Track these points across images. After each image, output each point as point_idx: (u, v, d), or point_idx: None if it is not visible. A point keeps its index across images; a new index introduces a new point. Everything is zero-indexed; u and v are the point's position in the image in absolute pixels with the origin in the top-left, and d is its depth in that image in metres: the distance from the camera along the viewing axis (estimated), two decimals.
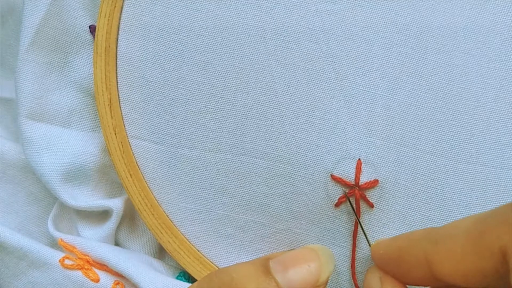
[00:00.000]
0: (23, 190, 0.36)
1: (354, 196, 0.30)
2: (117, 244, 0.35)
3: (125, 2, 0.31)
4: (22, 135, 0.34)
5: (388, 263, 0.26)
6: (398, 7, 0.30)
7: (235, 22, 0.31)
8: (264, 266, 0.26)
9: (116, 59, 0.32)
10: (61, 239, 0.33)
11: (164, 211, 0.32)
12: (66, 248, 0.32)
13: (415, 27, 0.30)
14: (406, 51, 0.30)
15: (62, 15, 0.33)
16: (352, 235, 0.30)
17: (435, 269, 0.23)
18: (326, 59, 0.30)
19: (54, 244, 0.34)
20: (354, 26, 0.30)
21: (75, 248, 0.32)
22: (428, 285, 0.25)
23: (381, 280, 0.26)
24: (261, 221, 0.31)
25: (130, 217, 0.35)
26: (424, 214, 0.30)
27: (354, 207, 0.30)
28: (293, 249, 0.27)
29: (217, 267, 0.32)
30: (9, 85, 0.36)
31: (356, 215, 0.30)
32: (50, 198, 0.36)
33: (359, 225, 0.30)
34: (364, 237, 0.30)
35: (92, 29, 0.34)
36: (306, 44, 0.30)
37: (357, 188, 0.30)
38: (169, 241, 0.32)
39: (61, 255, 0.32)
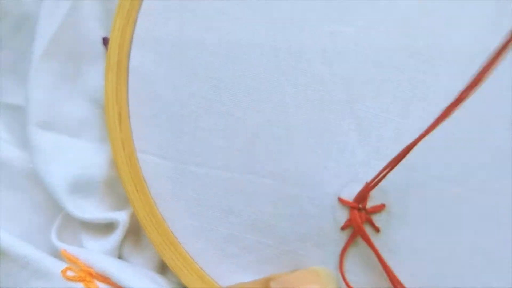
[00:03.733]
0: (29, 198, 0.36)
1: (357, 218, 0.29)
2: (120, 257, 0.34)
3: (139, 17, 0.32)
4: (31, 143, 0.34)
5: None
6: (411, 31, 0.30)
7: (248, 41, 0.31)
8: (266, 287, 0.25)
9: (128, 73, 0.32)
10: (64, 249, 0.33)
11: (168, 227, 0.32)
12: (68, 259, 0.32)
13: (428, 52, 0.30)
14: (418, 75, 0.30)
15: (76, 26, 0.34)
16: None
17: None
18: (338, 81, 0.30)
19: (57, 255, 0.33)
20: (367, 48, 0.30)
21: (78, 260, 0.32)
22: None
23: None
24: (267, 242, 0.31)
25: (134, 231, 0.34)
26: (432, 241, 0.30)
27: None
28: (295, 270, 0.27)
29: (220, 287, 0.31)
30: (20, 92, 0.37)
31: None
32: (55, 208, 0.35)
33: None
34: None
35: (105, 41, 0.34)
36: (318, 65, 0.30)
37: (363, 211, 0.30)
38: (172, 258, 0.31)
39: (63, 265, 0.32)
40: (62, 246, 0.33)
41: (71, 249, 0.33)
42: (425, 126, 0.30)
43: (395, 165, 0.28)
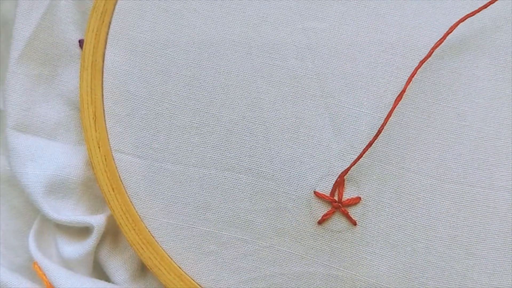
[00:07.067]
0: (6, 203, 0.36)
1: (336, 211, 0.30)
2: (98, 260, 0.34)
3: (113, 18, 0.32)
4: (8, 146, 0.34)
5: None
6: (384, 26, 0.30)
7: (221, 38, 0.31)
8: None
9: (102, 73, 0.32)
10: (35, 262, 0.32)
11: (145, 226, 0.32)
12: (38, 273, 0.32)
13: (401, 46, 0.30)
14: (392, 70, 0.30)
15: (52, 29, 0.34)
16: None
17: None
18: (312, 76, 0.30)
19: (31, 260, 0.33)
20: (340, 44, 0.30)
21: (44, 277, 0.32)
22: None
23: None
24: (244, 238, 0.31)
25: (112, 233, 0.34)
26: (409, 233, 0.30)
27: None
28: None
29: (198, 285, 0.31)
30: (2, 96, 0.37)
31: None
32: (32, 212, 0.35)
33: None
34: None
35: (81, 43, 0.34)
36: (292, 61, 0.30)
37: (339, 204, 0.30)
38: (149, 257, 0.31)
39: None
40: (36, 255, 0.33)
41: (43, 262, 0.32)
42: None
43: (361, 157, 0.28)
